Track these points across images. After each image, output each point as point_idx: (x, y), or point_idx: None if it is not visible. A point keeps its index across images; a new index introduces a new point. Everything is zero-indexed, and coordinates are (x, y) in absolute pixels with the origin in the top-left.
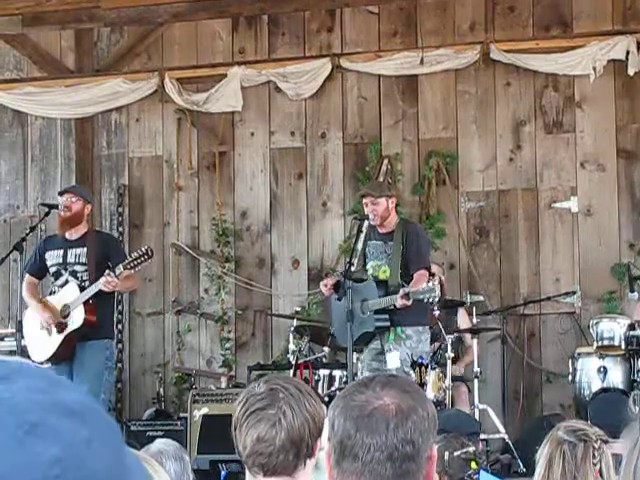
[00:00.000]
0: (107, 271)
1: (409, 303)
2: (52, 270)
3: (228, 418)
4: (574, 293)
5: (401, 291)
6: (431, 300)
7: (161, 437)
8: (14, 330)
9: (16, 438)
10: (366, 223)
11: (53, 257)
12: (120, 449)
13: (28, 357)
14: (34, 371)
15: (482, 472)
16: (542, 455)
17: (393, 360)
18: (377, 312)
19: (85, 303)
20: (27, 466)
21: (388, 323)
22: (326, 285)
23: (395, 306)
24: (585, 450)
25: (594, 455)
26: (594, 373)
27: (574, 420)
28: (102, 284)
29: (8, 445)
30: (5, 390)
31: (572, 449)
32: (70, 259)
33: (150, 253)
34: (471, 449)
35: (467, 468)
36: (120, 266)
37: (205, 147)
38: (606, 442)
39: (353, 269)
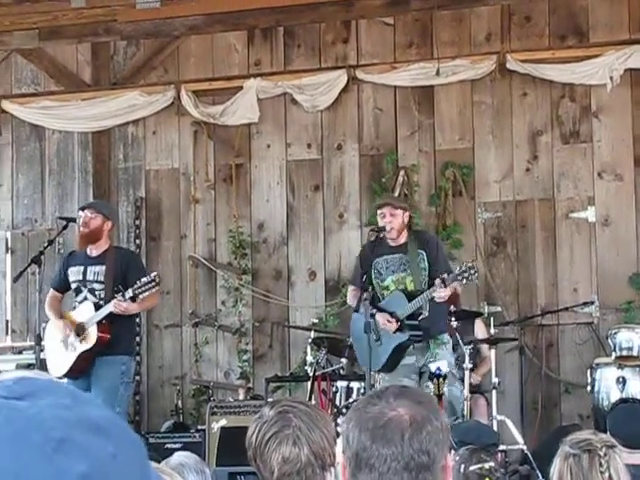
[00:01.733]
0: (117, 295)
1: (448, 291)
2: (73, 286)
3: (246, 430)
4: (592, 303)
5: (437, 280)
6: (472, 279)
7: (179, 449)
8: (33, 343)
9: (44, 454)
10: (382, 235)
11: (74, 273)
12: (144, 464)
13: (46, 370)
14: (59, 388)
15: None
16: (554, 472)
17: (440, 366)
18: (411, 326)
19: (99, 322)
20: None
21: (420, 332)
22: (389, 321)
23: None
24: (591, 460)
25: (600, 463)
26: (613, 383)
27: (580, 431)
28: (112, 308)
29: (36, 462)
30: (31, 407)
31: (578, 461)
32: (89, 276)
33: (157, 280)
34: (487, 465)
35: None
36: (129, 291)
37: (222, 159)
38: (613, 447)
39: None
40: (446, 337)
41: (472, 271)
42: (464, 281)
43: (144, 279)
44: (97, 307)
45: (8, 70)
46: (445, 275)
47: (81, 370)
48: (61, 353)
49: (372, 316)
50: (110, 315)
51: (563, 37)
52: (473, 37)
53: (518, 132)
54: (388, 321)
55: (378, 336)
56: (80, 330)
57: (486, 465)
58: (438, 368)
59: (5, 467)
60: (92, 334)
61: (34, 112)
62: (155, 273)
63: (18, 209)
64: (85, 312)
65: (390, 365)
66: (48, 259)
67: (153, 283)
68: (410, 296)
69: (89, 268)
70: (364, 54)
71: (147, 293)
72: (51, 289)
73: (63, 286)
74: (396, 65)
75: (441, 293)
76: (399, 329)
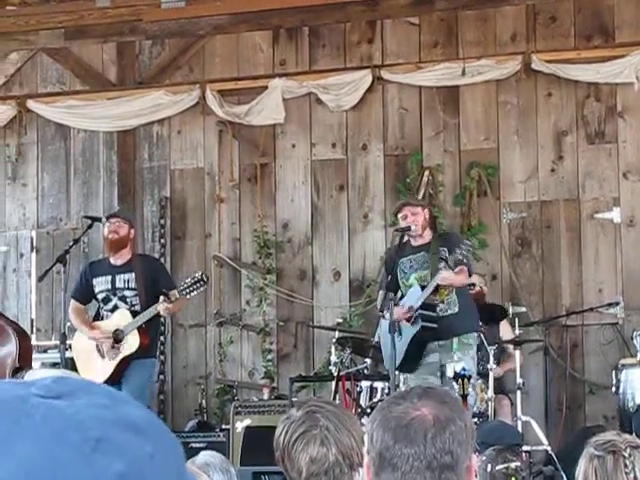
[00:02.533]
0: (163, 298)
1: (451, 276)
2: (101, 296)
3: (271, 430)
4: (617, 304)
5: (440, 264)
6: (469, 248)
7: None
8: (57, 342)
9: (82, 454)
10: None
11: (101, 283)
12: (181, 464)
13: (73, 370)
14: (97, 387)
15: None
16: (579, 473)
17: (456, 368)
18: (424, 317)
19: (139, 328)
20: None
21: (435, 324)
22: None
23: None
24: (615, 461)
25: (625, 464)
26: (638, 384)
27: (604, 433)
28: (162, 311)
29: (74, 461)
30: (69, 406)
31: (602, 463)
32: (119, 284)
33: (205, 279)
34: (513, 465)
35: None
36: (175, 292)
37: (246, 159)
38: (637, 448)
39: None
40: (473, 338)
41: (469, 247)
42: (464, 259)
43: (189, 280)
44: (133, 314)
45: (34, 69)
46: (445, 261)
47: (119, 375)
48: (96, 363)
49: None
50: (145, 321)
51: (589, 37)
52: (498, 37)
53: (543, 132)
54: (405, 312)
55: (399, 333)
56: (118, 337)
57: (512, 465)
58: (463, 368)
59: (43, 466)
60: (133, 340)
61: (59, 111)
62: (202, 272)
63: (43, 208)
64: (121, 319)
65: (411, 363)
66: (73, 258)
67: (202, 282)
68: (424, 288)
69: (117, 276)
70: (389, 54)
71: (195, 292)
72: (72, 300)
73: (86, 297)
74: (421, 65)
75: (444, 274)
76: (413, 321)
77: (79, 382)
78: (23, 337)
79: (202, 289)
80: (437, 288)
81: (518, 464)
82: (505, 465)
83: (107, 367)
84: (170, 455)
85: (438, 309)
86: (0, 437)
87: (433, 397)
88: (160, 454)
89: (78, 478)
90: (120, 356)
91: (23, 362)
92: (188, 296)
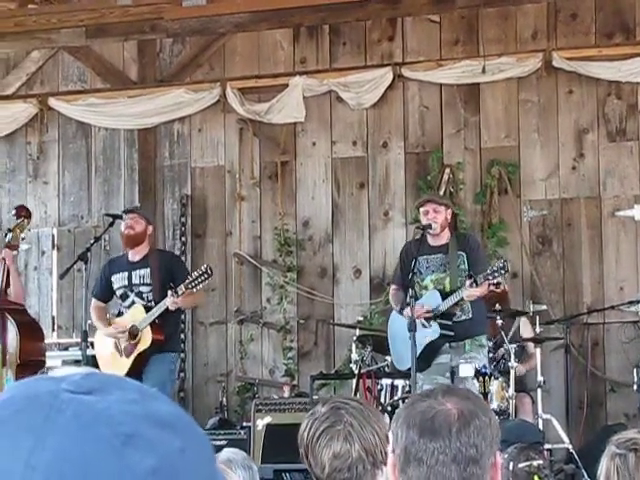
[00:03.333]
0: (170, 292)
1: (477, 292)
2: (119, 292)
3: (291, 427)
4: (638, 302)
5: (468, 281)
6: (503, 273)
7: (224, 446)
8: (79, 339)
9: (113, 449)
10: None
11: (119, 280)
12: (211, 459)
13: (95, 367)
14: (127, 383)
15: None
16: (601, 472)
17: (466, 370)
18: (443, 325)
19: (152, 323)
20: (126, 476)
21: (452, 332)
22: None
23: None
24: (637, 459)
25: None
26: None
27: (626, 431)
28: (170, 305)
29: (106, 456)
30: (100, 402)
31: (624, 461)
32: (135, 280)
33: (210, 272)
34: (535, 463)
35: None
36: (182, 286)
37: (267, 157)
38: None
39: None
40: (485, 339)
41: (502, 271)
42: (495, 280)
43: (195, 273)
44: (147, 309)
45: (55, 67)
46: (474, 277)
47: (138, 371)
48: (115, 360)
49: (401, 312)
50: (160, 315)
51: (610, 34)
52: (519, 35)
53: (564, 130)
54: (425, 312)
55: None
56: (133, 333)
57: (534, 463)
58: (484, 366)
59: (75, 461)
60: (147, 336)
61: (80, 109)
62: (206, 265)
63: (64, 206)
64: (136, 315)
65: (422, 363)
66: (94, 256)
67: (206, 275)
68: (445, 296)
69: (134, 272)
70: (410, 52)
71: (200, 286)
72: (94, 299)
73: (106, 295)
74: (442, 63)
75: (470, 292)
76: (429, 322)
77: (109, 378)
78: (28, 332)
79: (207, 282)
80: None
81: (540, 462)
82: (527, 463)
83: (124, 363)
84: (200, 450)
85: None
86: (32, 432)
87: (457, 394)
88: (190, 449)
89: (110, 472)
90: (135, 352)
91: (26, 358)
92: (194, 289)
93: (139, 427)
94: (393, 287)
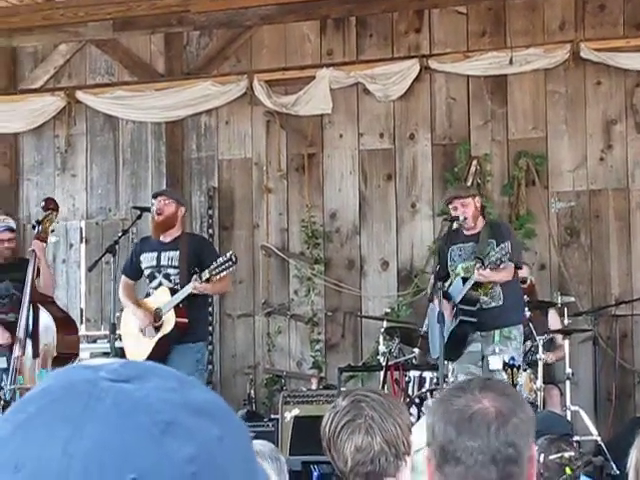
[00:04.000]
0: (194, 276)
1: (486, 273)
2: (146, 272)
3: (319, 419)
4: None
5: (477, 265)
6: (504, 259)
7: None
8: (107, 332)
9: (152, 437)
10: (455, 225)
11: (147, 260)
12: (249, 448)
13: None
14: (164, 371)
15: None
16: (631, 464)
17: (495, 363)
18: (464, 311)
19: (176, 307)
20: (165, 464)
21: (474, 319)
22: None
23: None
24: None
25: None
26: None
27: None
28: (192, 289)
29: (144, 444)
30: (138, 389)
31: None
32: (163, 262)
33: (234, 259)
34: (567, 454)
35: (562, 473)
36: (206, 272)
37: (294, 149)
38: None
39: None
40: (516, 331)
41: (505, 258)
42: (501, 265)
43: (220, 259)
44: (173, 292)
45: (82, 61)
46: (494, 248)
47: (159, 357)
48: (139, 340)
49: (430, 302)
50: (186, 301)
51: (638, 25)
52: (546, 26)
53: (592, 121)
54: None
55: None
56: (157, 316)
57: (566, 454)
58: (512, 358)
59: (114, 449)
60: (170, 319)
61: (108, 102)
62: (232, 252)
63: (92, 199)
64: (161, 297)
65: (453, 350)
66: (122, 249)
67: (230, 262)
68: (465, 282)
69: (163, 254)
70: (437, 43)
71: (224, 273)
72: (123, 276)
73: (135, 273)
74: (469, 54)
75: (480, 274)
76: (454, 315)
77: (147, 366)
78: (65, 326)
79: (231, 269)
80: (478, 283)
81: (572, 454)
82: (559, 455)
83: (147, 345)
84: (238, 438)
85: (481, 301)
86: (72, 420)
87: (494, 389)
88: (228, 437)
89: (148, 460)
90: (159, 335)
91: (63, 351)
92: (218, 276)
93: (178, 415)
94: (431, 279)
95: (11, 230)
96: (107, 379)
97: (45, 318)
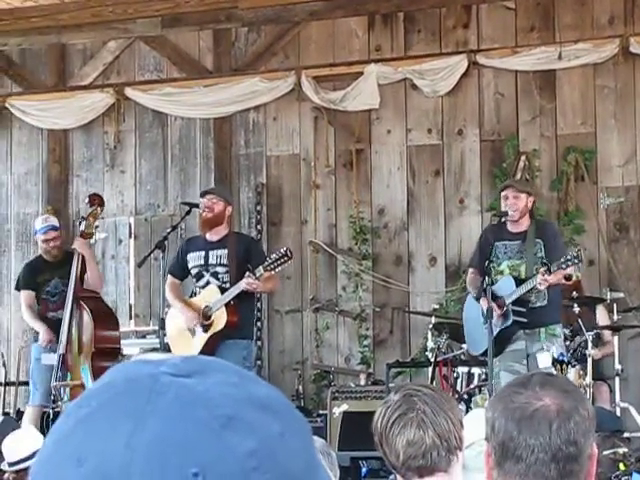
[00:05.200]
0: (247, 273)
1: (550, 279)
2: (194, 272)
3: (368, 415)
4: None
5: (542, 268)
6: (577, 262)
7: None
8: (156, 327)
9: (213, 431)
10: (503, 220)
11: (195, 259)
12: (310, 443)
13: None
14: (225, 366)
15: (634, 474)
16: None
17: (545, 360)
18: (516, 312)
19: (227, 305)
20: (225, 458)
21: (525, 319)
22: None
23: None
24: None
25: None
26: None
27: None
28: (244, 285)
29: (206, 438)
30: (199, 384)
31: None
32: (212, 260)
33: (290, 254)
34: (621, 450)
35: (615, 469)
36: (260, 268)
37: (342, 145)
38: None
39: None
40: (559, 329)
41: (576, 260)
42: (568, 269)
43: (274, 255)
44: (222, 290)
45: (131, 57)
46: (548, 265)
47: (208, 354)
48: (187, 339)
49: (477, 299)
50: (236, 298)
51: None
52: (596, 20)
53: None
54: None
55: (486, 319)
56: (206, 314)
57: (620, 450)
58: (561, 354)
59: (175, 442)
60: (221, 317)
61: (156, 99)
62: (286, 247)
63: (141, 195)
64: (210, 295)
65: (497, 346)
66: (171, 244)
67: (286, 257)
68: (519, 283)
69: (211, 252)
70: (485, 39)
71: (279, 268)
72: (169, 275)
73: (182, 272)
74: (517, 49)
75: (543, 280)
76: (504, 315)
77: (208, 361)
78: (102, 321)
79: (286, 264)
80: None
81: (626, 450)
82: (612, 450)
83: (196, 343)
84: (299, 434)
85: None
86: (133, 414)
87: (555, 386)
88: (289, 433)
89: (209, 454)
90: (209, 333)
91: (100, 346)
92: (273, 271)
93: (238, 410)
94: (471, 271)
95: (55, 229)
96: (168, 374)
97: (85, 315)
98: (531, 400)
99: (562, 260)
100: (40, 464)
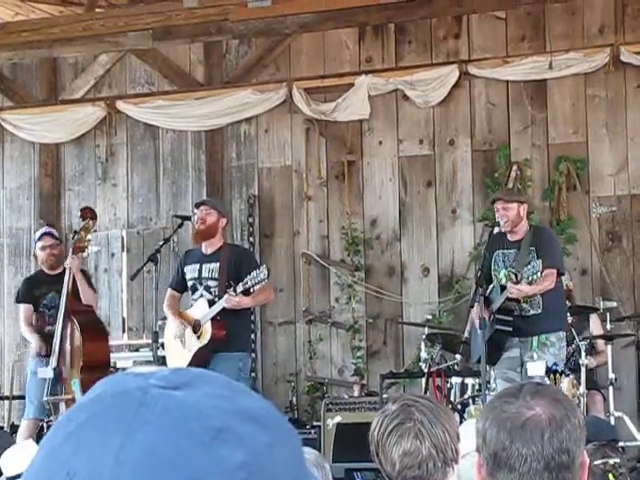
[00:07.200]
0: (228, 290)
1: (523, 287)
2: (189, 284)
3: (362, 426)
4: None
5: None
6: (535, 277)
7: None
8: (149, 341)
9: (203, 443)
10: (496, 230)
11: (190, 271)
12: (300, 455)
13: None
14: (215, 378)
15: None
16: None
17: (536, 369)
18: (499, 320)
19: (213, 319)
20: (215, 470)
21: (510, 328)
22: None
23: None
24: None
25: None
26: None
27: None
28: (224, 302)
29: (195, 450)
30: (189, 396)
31: None
32: (204, 274)
33: (265, 272)
34: (612, 461)
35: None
36: (240, 285)
37: (334, 156)
38: None
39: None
40: (554, 338)
41: (536, 276)
42: (532, 284)
43: (254, 273)
44: (211, 304)
45: (123, 71)
46: (518, 275)
47: (199, 367)
48: (179, 351)
49: (471, 307)
50: (226, 311)
51: None
52: (586, 30)
53: (633, 125)
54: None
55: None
56: (196, 327)
57: (610, 461)
58: (555, 363)
59: (165, 455)
60: (207, 331)
61: (148, 112)
62: (264, 266)
63: (133, 208)
64: (200, 309)
65: (491, 354)
66: (163, 257)
67: (262, 275)
68: (503, 290)
69: (204, 266)
70: (476, 49)
71: (258, 286)
72: (169, 289)
73: (181, 285)
74: (508, 59)
75: (512, 288)
76: (491, 321)
77: (197, 373)
78: (90, 334)
79: (263, 283)
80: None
81: (617, 460)
82: (603, 461)
83: (185, 356)
84: (289, 446)
85: (521, 309)
86: (123, 427)
87: (545, 395)
88: (279, 445)
89: (199, 466)
90: (196, 346)
91: (89, 359)
92: (252, 289)
93: (228, 422)
94: (474, 286)
95: (52, 236)
96: (157, 386)
97: (75, 328)
98: (522, 410)
99: (530, 271)
100: (29, 478)
